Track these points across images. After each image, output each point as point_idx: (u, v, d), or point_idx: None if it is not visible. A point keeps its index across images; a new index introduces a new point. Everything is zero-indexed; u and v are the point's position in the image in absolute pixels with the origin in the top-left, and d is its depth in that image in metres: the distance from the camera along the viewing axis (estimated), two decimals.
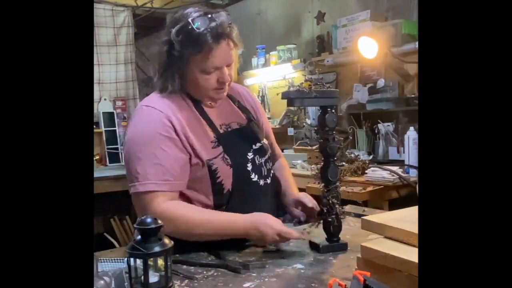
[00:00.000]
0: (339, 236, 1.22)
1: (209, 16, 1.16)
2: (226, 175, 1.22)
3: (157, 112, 1.19)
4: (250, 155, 1.28)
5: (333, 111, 1.21)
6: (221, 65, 1.20)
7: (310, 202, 1.34)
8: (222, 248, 1.21)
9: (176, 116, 1.20)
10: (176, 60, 1.19)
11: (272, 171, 1.37)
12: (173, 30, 1.17)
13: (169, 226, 1.06)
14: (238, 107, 1.39)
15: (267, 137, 1.44)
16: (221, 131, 1.27)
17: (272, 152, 1.43)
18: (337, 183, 1.21)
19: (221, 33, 1.16)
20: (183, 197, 1.22)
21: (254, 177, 1.28)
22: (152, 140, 1.17)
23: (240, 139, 1.29)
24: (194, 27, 1.14)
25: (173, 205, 1.16)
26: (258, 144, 1.33)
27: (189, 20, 1.15)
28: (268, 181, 1.34)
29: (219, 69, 1.21)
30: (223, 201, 1.23)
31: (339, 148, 1.21)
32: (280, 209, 1.46)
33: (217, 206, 1.23)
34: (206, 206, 1.23)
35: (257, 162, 1.29)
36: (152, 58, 5.46)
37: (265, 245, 1.21)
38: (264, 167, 1.32)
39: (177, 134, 1.18)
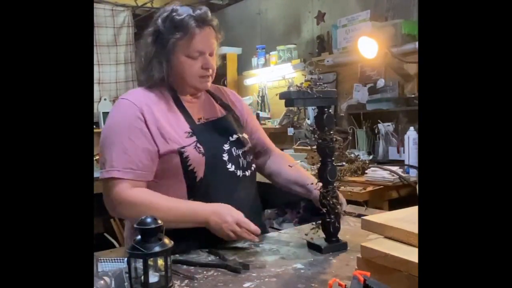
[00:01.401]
0: (338, 236, 1.22)
1: (192, 6, 1.27)
2: (198, 163, 1.25)
3: (131, 105, 1.26)
4: (226, 146, 1.32)
5: (330, 111, 1.22)
6: (204, 50, 1.27)
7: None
8: (219, 244, 1.23)
9: (150, 108, 1.26)
10: (162, 48, 1.26)
11: (253, 165, 1.40)
12: (159, 19, 1.27)
13: (131, 211, 1.19)
14: (220, 104, 1.43)
15: (252, 132, 1.48)
16: (197, 123, 1.32)
17: (263, 148, 1.51)
18: (336, 183, 1.21)
19: (203, 19, 1.25)
20: (157, 186, 1.25)
21: (231, 167, 1.31)
22: (122, 130, 1.23)
23: (216, 130, 1.33)
24: (177, 13, 1.24)
25: (137, 192, 1.21)
26: (235, 136, 1.36)
27: (173, 7, 1.26)
28: (248, 173, 1.36)
29: (203, 55, 1.27)
30: (196, 189, 1.26)
31: (339, 148, 1.21)
32: (267, 203, 1.48)
33: (191, 195, 1.26)
34: (180, 195, 1.25)
35: (234, 153, 1.33)
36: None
37: (224, 236, 1.18)
38: (242, 158, 1.35)
39: (147, 127, 1.24)
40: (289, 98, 1.19)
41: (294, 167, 1.46)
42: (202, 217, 1.19)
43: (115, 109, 1.30)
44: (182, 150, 1.24)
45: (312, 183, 1.29)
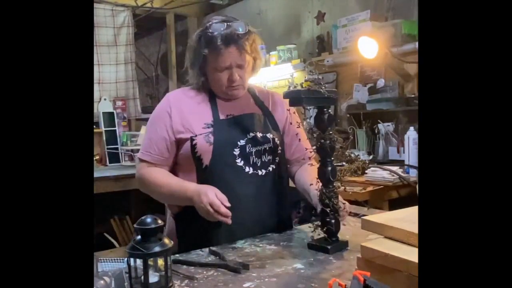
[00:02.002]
0: (338, 235, 1.22)
1: (225, 23, 1.36)
2: (205, 151, 1.36)
3: (166, 101, 1.46)
4: (241, 142, 1.39)
5: (330, 111, 1.21)
6: (228, 66, 1.37)
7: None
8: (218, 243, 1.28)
9: (180, 103, 1.43)
10: (197, 58, 1.41)
11: (272, 166, 1.43)
12: (196, 33, 1.42)
13: (142, 186, 1.45)
14: (258, 104, 1.50)
15: (292, 140, 1.52)
16: (221, 117, 1.41)
17: (302, 157, 1.53)
18: (335, 183, 1.21)
19: (230, 38, 1.34)
20: (177, 169, 1.45)
21: (240, 163, 1.37)
22: (153, 122, 1.46)
23: (237, 126, 1.41)
24: (209, 31, 1.36)
25: (149, 170, 1.42)
26: (252, 134, 1.40)
27: (207, 24, 1.38)
28: (261, 172, 1.40)
29: (229, 69, 1.38)
30: (203, 175, 1.37)
31: (341, 147, 1.21)
32: (288, 208, 1.51)
33: (199, 179, 1.37)
34: (191, 178, 1.39)
35: (247, 150, 1.39)
36: (152, 58, 5.48)
37: (203, 216, 1.26)
38: (255, 156, 1.39)
39: (171, 119, 1.41)
40: (298, 97, 1.18)
41: (310, 172, 1.46)
42: (188, 195, 1.30)
43: (159, 103, 1.50)
44: (194, 138, 1.37)
45: (312, 184, 1.30)
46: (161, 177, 1.40)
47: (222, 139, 1.37)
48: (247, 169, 1.38)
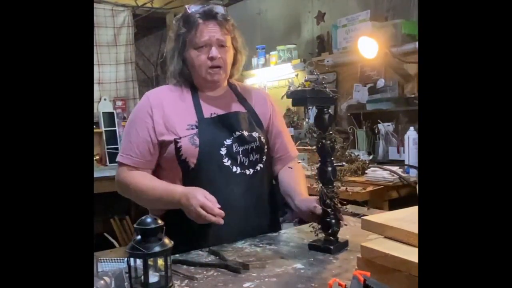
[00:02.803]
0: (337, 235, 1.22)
1: (204, 5, 1.36)
2: (190, 154, 1.32)
3: (146, 100, 1.40)
4: (228, 141, 1.35)
5: (329, 111, 1.21)
6: (208, 40, 1.34)
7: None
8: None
9: (161, 103, 1.38)
10: (177, 43, 1.39)
11: (260, 165, 1.40)
12: (175, 18, 1.42)
13: (125, 191, 1.39)
14: (240, 101, 1.47)
15: (276, 137, 1.50)
16: (205, 116, 1.37)
17: (284, 154, 1.51)
18: (335, 183, 1.21)
19: (208, 14, 1.34)
20: (161, 171, 1.39)
21: (227, 162, 1.34)
22: (133, 122, 1.40)
23: (222, 125, 1.37)
24: (187, 11, 1.36)
25: (131, 174, 1.36)
26: (238, 133, 1.37)
27: (186, 6, 1.38)
28: (248, 172, 1.37)
29: (209, 47, 1.34)
30: (189, 177, 1.33)
31: (342, 147, 1.21)
32: (275, 208, 1.49)
33: (185, 182, 1.34)
34: (177, 180, 1.35)
35: (234, 149, 1.35)
36: (152, 58, 5.48)
37: (193, 219, 1.22)
38: (242, 156, 1.36)
39: (153, 120, 1.36)
40: (303, 97, 1.18)
41: (291, 174, 1.47)
42: (176, 199, 1.26)
43: (138, 103, 1.46)
44: (178, 140, 1.32)
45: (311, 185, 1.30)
46: (144, 181, 1.34)
47: (208, 140, 1.33)
48: (234, 168, 1.34)
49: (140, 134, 1.36)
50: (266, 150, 1.43)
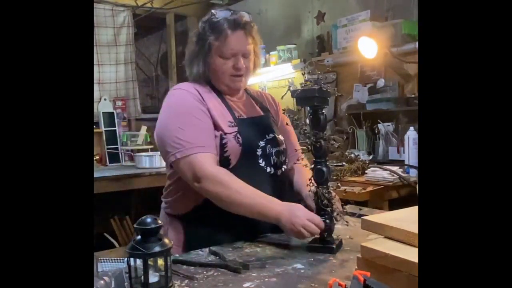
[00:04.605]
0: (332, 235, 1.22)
1: (230, 11, 1.36)
2: (234, 152, 1.32)
3: (188, 92, 1.36)
4: (262, 143, 1.38)
5: (324, 111, 1.22)
6: (236, 52, 1.35)
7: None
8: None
9: (203, 96, 1.35)
10: (201, 47, 1.37)
11: (285, 166, 1.45)
12: (201, 21, 1.39)
13: (216, 187, 1.24)
14: (259, 106, 1.51)
15: (284, 136, 1.52)
16: (238, 117, 1.39)
17: (292, 153, 1.53)
18: (329, 183, 1.21)
19: (237, 23, 1.33)
20: None
21: (262, 163, 1.37)
22: (190, 112, 1.31)
23: (255, 127, 1.40)
24: (215, 17, 1.35)
25: (221, 170, 1.27)
26: (271, 135, 1.42)
27: (212, 12, 1.37)
28: (278, 172, 1.41)
29: (235, 56, 1.35)
30: None
31: (338, 147, 1.21)
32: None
33: None
34: None
35: (267, 150, 1.38)
36: (152, 58, 5.48)
37: (295, 234, 1.19)
38: (275, 157, 1.40)
39: (208, 109, 1.33)
40: (311, 96, 1.18)
41: (301, 172, 1.48)
42: (274, 215, 1.21)
43: (174, 97, 1.38)
44: (224, 136, 1.32)
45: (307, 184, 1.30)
46: (239, 186, 1.25)
47: (247, 140, 1.35)
48: (268, 169, 1.38)
49: (204, 122, 1.30)
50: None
